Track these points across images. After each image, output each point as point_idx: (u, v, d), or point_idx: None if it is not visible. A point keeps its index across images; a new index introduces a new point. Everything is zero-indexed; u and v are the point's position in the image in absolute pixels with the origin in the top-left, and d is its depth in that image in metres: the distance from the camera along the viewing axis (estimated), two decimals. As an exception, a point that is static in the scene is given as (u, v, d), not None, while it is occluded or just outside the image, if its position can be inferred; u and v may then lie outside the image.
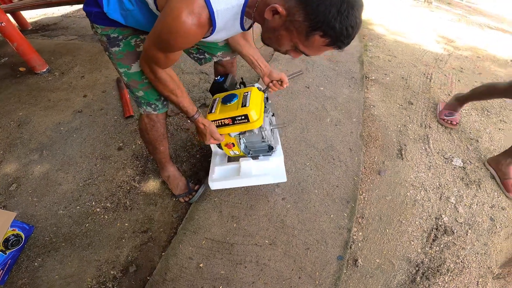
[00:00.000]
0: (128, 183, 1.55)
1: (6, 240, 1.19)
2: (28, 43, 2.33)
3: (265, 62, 1.22)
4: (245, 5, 0.75)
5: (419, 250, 1.31)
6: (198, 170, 1.60)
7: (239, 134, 1.17)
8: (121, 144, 1.76)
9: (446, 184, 1.59)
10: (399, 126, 1.94)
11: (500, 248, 1.35)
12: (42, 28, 3.55)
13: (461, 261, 1.29)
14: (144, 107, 1.10)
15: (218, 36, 0.85)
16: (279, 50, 0.82)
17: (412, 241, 1.34)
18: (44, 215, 1.41)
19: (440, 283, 1.21)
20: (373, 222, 1.40)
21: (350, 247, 1.28)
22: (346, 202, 1.38)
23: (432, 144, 1.82)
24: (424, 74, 2.54)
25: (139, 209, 1.43)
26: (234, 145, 1.20)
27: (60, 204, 1.45)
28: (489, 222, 1.44)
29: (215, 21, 0.74)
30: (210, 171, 1.31)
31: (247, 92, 1.13)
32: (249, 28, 0.91)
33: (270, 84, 1.23)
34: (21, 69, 2.48)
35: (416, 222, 1.41)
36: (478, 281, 1.23)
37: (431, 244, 1.34)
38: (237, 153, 1.26)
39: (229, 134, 1.15)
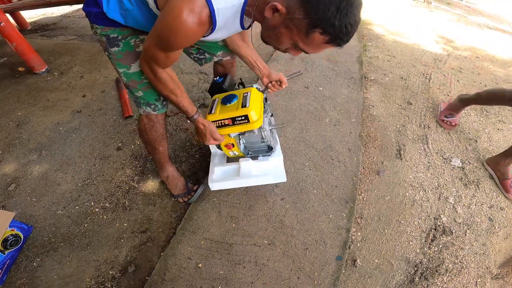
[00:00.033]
0: (127, 183, 1.55)
1: (5, 240, 1.19)
2: (27, 43, 2.33)
3: (264, 63, 1.23)
4: (245, 3, 0.75)
5: (418, 250, 1.31)
6: (197, 170, 1.60)
7: (238, 134, 1.18)
8: (120, 144, 1.76)
9: (445, 184, 1.60)
10: (398, 126, 1.95)
11: (498, 248, 1.35)
12: (41, 28, 3.55)
13: (460, 261, 1.29)
14: (144, 107, 1.10)
15: (217, 35, 0.85)
16: (279, 48, 0.83)
17: (411, 241, 1.34)
18: (43, 215, 1.41)
19: (438, 283, 1.21)
20: (372, 222, 1.40)
21: (349, 247, 1.28)
22: (345, 202, 1.38)
23: (431, 144, 1.83)
24: (423, 74, 2.54)
25: (138, 209, 1.43)
26: (233, 146, 1.20)
27: (59, 204, 1.45)
28: (488, 222, 1.44)
29: (215, 19, 0.74)
30: (210, 172, 1.31)
31: (247, 93, 1.13)
32: (248, 27, 0.91)
33: (269, 84, 1.24)
34: (20, 69, 2.48)
35: (415, 222, 1.41)
36: (476, 281, 1.23)
37: (429, 244, 1.34)
38: (237, 153, 1.26)
39: (229, 135, 1.15)
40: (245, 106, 1.06)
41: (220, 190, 1.41)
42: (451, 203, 1.51)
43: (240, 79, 1.35)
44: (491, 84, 2.49)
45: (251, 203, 1.37)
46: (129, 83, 1.03)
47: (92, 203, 1.45)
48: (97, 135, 1.83)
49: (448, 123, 1.92)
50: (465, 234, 1.38)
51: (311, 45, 0.74)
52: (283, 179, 1.24)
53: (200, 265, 1.16)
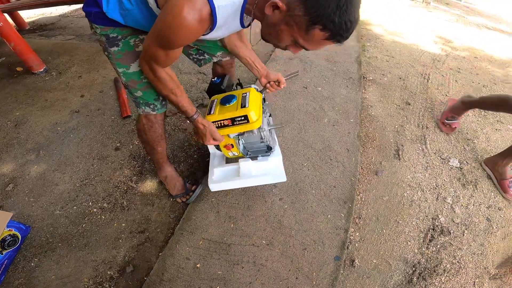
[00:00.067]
0: (125, 183, 1.54)
1: (3, 241, 1.19)
2: (25, 43, 2.32)
3: (262, 64, 1.23)
4: (245, 1, 0.76)
5: (416, 251, 1.31)
6: (196, 171, 1.60)
7: (238, 135, 1.18)
8: (118, 144, 1.76)
9: (443, 185, 1.60)
10: (396, 126, 1.95)
11: (496, 249, 1.35)
12: (39, 27, 3.54)
13: (458, 261, 1.29)
14: (143, 107, 1.10)
15: (217, 34, 0.85)
16: (279, 45, 0.83)
17: (409, 241, 1.34)
18: (40, 215, 1.41)
19: (436, 284, 1.21)
20: (370, 223, 1.40)
21: (347, 248, 1.28)
22: (343, 203, 1.39)
23: (429, 145, 1.83)
24: (422, 75, 2.55)
25: (136, 210, 1.43)
26: (233, 146, 1.20)
27: (57, 205, 1.45)
28: (486, 222, 1.45)
29: (216, 17, 0.74)
30: (209, 172, 1.31)
31: (246, 93, 1.13)
32: (248, 26, 0.91)
33: (267, 85, 1.24)
34: (18, 69, 2.47)
35: (413, 223, 1.42)
36: (474, 282, 1.23)
37: (427, 244, 1.34)
38: (236, 154, 1.26)
39: (228, 135, 1.15)
40: (244, 107, 1.06)
41: (219, 190, 1.41)
42: (449, 203, 1.51)
43: (238, 79, 1.35)
44: (490, 85, 2.50)
45: (250, 203, 1.37)
46: (128, 83, 1.03)
47: (90, 203, 1.45)
48: (95, 135, 1.82)
49: (448, 126, 1.92)
50: (463, 234, 1.39)
51: (311, 42, 0.74)
52: (283, 178, 1.24)
53: (198, 265, 1.16)
